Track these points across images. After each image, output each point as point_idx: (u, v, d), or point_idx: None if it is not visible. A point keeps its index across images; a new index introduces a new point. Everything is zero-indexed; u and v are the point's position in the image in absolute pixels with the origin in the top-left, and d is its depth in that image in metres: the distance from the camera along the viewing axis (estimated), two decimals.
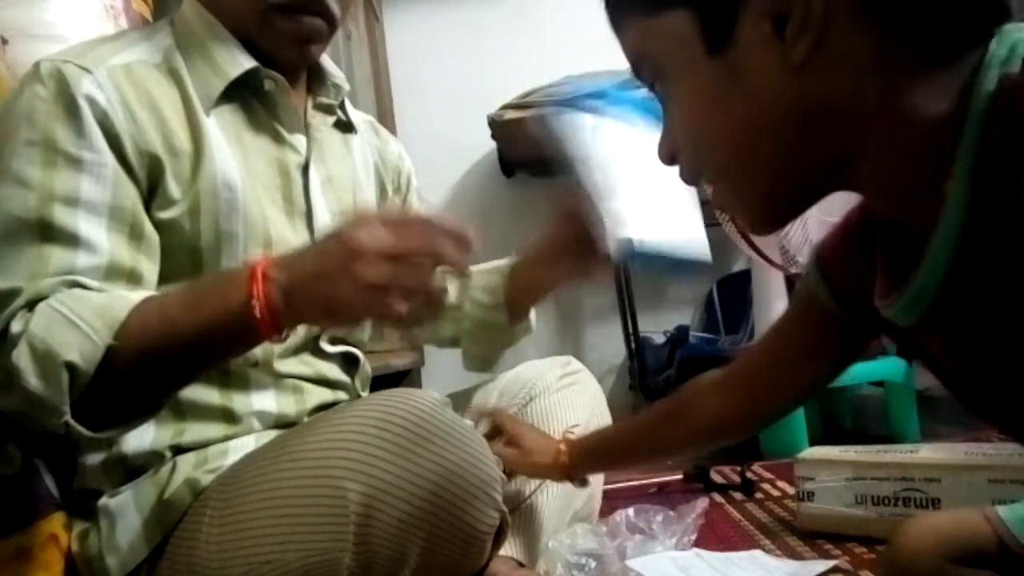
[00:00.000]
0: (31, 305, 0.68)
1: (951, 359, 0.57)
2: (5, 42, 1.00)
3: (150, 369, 0.67)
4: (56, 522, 0.81)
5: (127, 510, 0.77)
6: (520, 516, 0.96)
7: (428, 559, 0.66)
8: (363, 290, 0.61)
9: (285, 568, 0.67)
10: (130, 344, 0.65)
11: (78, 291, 0.69)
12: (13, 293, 0.68)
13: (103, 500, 0.79)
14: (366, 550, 0.64)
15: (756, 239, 1.72)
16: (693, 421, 0.83)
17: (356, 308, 0.63)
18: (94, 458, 0.80)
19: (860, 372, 1.79)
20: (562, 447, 0.94)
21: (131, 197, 0.76)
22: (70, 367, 0.64)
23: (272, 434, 0.81)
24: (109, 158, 0.74)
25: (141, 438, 0.78)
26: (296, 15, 0.83)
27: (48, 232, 0.71)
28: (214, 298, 0.66)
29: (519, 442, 0.95)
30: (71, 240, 0.71)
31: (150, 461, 0.79)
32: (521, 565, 0.92)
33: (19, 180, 0.71)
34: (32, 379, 0.64)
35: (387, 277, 0.61)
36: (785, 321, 0.75)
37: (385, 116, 2.50)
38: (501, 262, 1.03)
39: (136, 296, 0.69)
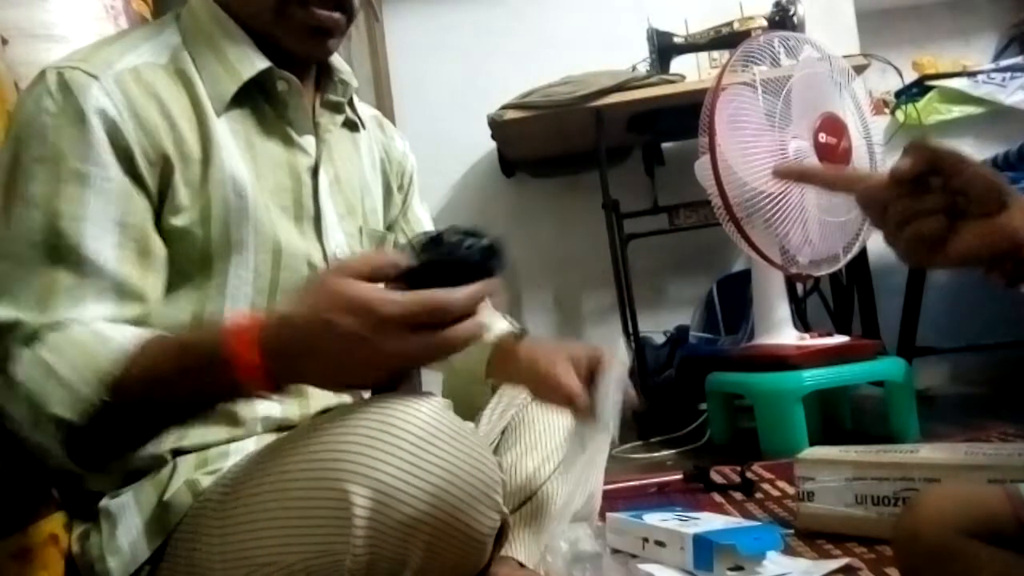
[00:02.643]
0: (28, 340, 0.68)
1: None
2: (5, 42, 1.00)
3: (143, 420, 0.69)
4: (56, 522, 0.81)
5: (128, 511, 0.77)
6: (521, 517, 0.96)
7: (429, 560, 0.66)
8: (391, 360, 0.63)
9: (287, 570, 0.67)
10: (120, 400, 0.66)
11: (70, 332, 0.69)
12: (14, 325, 0.69)
13: (104, 501, 0.78)
14: (368, 552, 0.64)
15: (756, 239, 1.72)
16: None
17: (381, 375, 0.64)
18: None
19: (860, 372, 1.79)
20: None
21: (140, 212, 0.75)
22: (58, 421, 0.66)
23: (272, 437, 0.80)
24: (116, 172, 0.74)
25: None
26: (313, 7, 0.82)
27: (55, 254, 0.70)
28: (204, 372, 0.65)
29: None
30: (78, 262, 0.71)
31: (151, 463, 0.78)
32: (522, 566, 0.92)
33: (27, 200, 0.71)
34: (26, 427, 0.67)
35: (416, 347, 0.62)
36: None
37: (385, 116, 2.50)
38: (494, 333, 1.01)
39: (126, 339, 0.68)
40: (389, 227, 1.04)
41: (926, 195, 0.64)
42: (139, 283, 0.75)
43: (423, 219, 1.08)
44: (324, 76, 0.92)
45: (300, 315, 0.63)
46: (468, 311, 0.63)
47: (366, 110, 1.04)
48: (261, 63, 0.83)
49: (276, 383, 0.65)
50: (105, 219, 0.73)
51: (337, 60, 0.93)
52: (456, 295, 0.62)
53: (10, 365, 0.68)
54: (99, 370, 0.66)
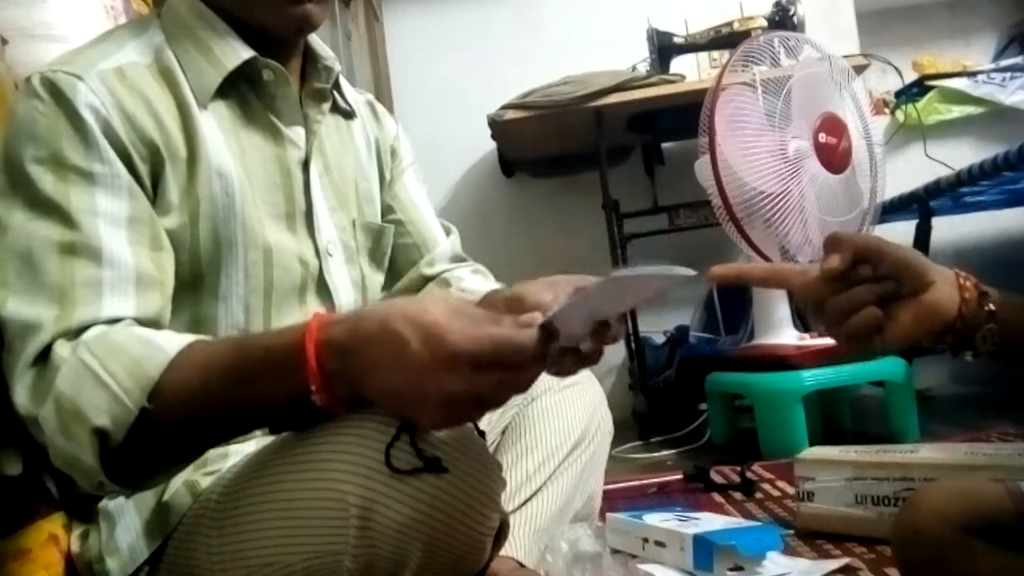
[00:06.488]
0: (64, 337, 0.66)
1: None
2: (5, 42, 1.00)
3: (191, 430, 0.66)
4: (56, 522, 0.81)
5: (127, 512, 0.77)
6: (521, 517, 0.96)
7: (428, 560, 0.66)
8: (444, 415, 0.60)
9: (286, 570, 0.66)
10: (168, 409, 0.63)
11: (111, 335, 0.66)
12: (35, 326, 0.66)
13: (103, 501, 0.78)
14: (367, 552, 0.64)
15: (756, 239, 1.72)
16: None
17: (433, 423, 0.62)
18: None
19: (860, 372, 1.79)
20: (967, 290, 0.69)
21: (147, 207, 0.75)
22: (100, 432, 0.62)
23: (271, 438, 0.80)
24: (121, 168, 0.73)
25: None
26: None
27: (72, 251, 0.69)
28: (269, 377, 0.62)
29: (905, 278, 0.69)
30: (95, 256, 0.70)
31: None
32: (522, 566, 0.92)
33: (34, 201, 0.70)
34: (59, 440, 0.63)
35: (474, 411, 0.61)
36: None
37: None
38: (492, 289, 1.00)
39: (171, 345, 0.66)
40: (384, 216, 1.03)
41: (858, 287, 0.68)
42: (156, 271, 0.74)
43: (416, 197, 1.06)
44: (308, 65, 0.91)
45: (371, 314, 0.61)
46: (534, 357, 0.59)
47: (358, 96, 1.03)
48: (245, 52, 0.82)
49: (331, 383, 0.60)
50: (116, 216, 0.72)
51: (320, 46, 0.93)
52: (525, 335, 0.58)
53: (47, 367, 0.65)
54: (145, 377, 0.63)
